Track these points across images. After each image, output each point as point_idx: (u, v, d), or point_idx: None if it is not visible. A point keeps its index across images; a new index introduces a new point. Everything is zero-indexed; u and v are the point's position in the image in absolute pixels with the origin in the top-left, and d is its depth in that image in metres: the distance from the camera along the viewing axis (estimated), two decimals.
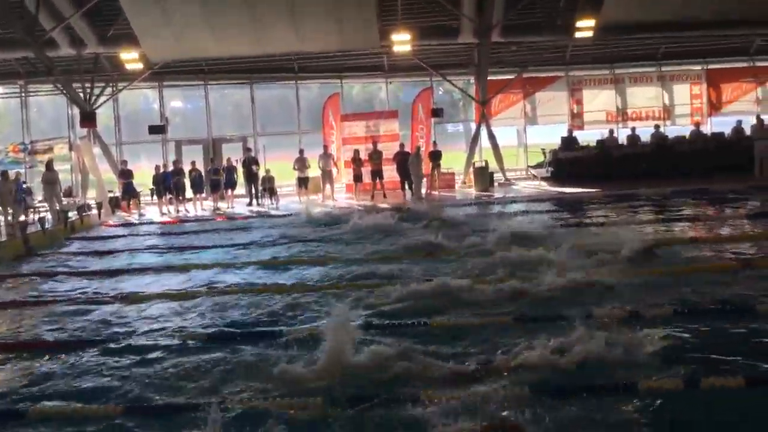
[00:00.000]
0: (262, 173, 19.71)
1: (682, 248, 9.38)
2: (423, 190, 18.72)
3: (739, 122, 20.46)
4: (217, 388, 5.09)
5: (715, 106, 22.11)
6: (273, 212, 17.68)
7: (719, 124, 21.63)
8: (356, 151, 19.94)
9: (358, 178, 19.74)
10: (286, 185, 21.63)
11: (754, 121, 20.28)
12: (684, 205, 14.28)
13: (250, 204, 19.39)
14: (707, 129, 21.50)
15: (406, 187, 19.11)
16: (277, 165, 21.28)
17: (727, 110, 22.10)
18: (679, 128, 21.80)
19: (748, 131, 20.11)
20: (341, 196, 20.41)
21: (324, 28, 19.10)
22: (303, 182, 19.62)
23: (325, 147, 20.46)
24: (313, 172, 20.01)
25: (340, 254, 10.53)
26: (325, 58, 21.67)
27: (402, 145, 19.87)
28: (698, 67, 22.24)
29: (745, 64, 22.33)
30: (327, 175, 19.65)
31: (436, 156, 20.05)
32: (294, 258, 10.52)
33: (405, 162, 19.09)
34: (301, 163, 19.69)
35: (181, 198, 19.03)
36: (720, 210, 13.57)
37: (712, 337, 5.67)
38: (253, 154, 20.48)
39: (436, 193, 19.50)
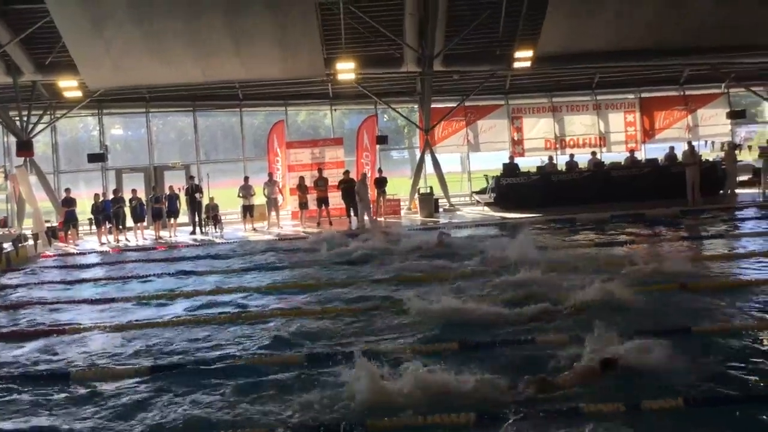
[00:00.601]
0: (205, 201, 19.48)
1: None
2: (366, 218, 18.79)
3: (672, 148, 21.28)
4: None
5: (649, 133, 23.00)
6: (218, 240, 17.51)
7: (653, 151, 22.49)
8: (301, 178, 19.94)
9: (303, 205, 19.71)
10: (231, 213, 21.48)
11: (685, 147, 21.13)
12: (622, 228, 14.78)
13: (193, 233, 19.11)
14: (641, 155, 22.30)
15: (352, 213, 19.23)
16: (222, 192, 21.12)
17: (659, 137, 23.01)
18: (614, 155, 22.56)
19: (680, 157, 20.95)
20: (287, 223, 20.33)
21: (268, 57, 19.16)
22: (248, 210, 19.47)
23: (270, 174, 20.40)
24: (259, 199, 19.90)
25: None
26: (270, 86, 21.72)
27: (347, 172, 19.96)
28: (632, 96, 23.15)
29: (675, 93, 23.31)
30: (272, 203, 19.58)
31: (381, 183, 20.23)
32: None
33: (350, 189, 19.21)
34: (246, 191, 19.56)
35: (121, 227, 18.63)
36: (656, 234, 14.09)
37: None
38: (196, 181, 20.26)
39: (381, 219, 19.61)
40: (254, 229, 19.10)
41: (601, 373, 5.30)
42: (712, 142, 22.59)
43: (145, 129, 22.35)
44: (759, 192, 19.99)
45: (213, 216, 19.17)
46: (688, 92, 23.09)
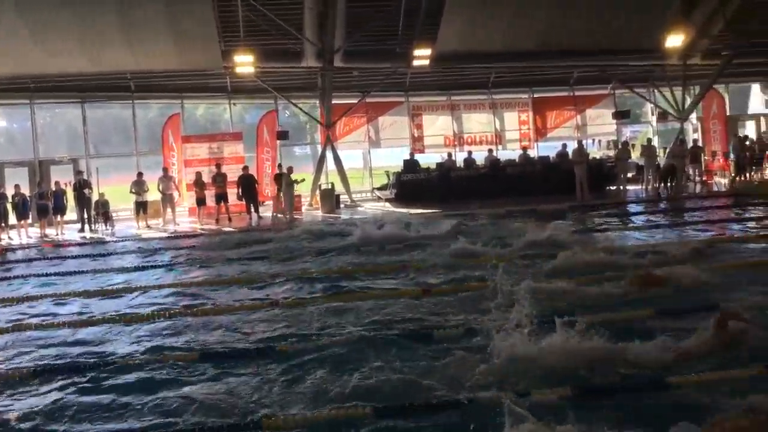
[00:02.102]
0: (95, 197, 18.61)
1: None
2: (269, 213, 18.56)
3: (564, 146, 22.27)
4: None
5: (541, 131, 23.93)
6: (108, 238, 16.79)
7: (545, 149, 23.42)
8: (198, 174, 19.41)
9: (201, 201, 19.19)
10: (123, 210, 20.63)
11: (575, 145, 22.13)
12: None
13: (82, 230, 18.20)
14: (534, 153, 23.18)
15: (252, 210, 18.96)
16: (113, 189, 20.27)
17: (551, 135, 23.97)
18: (509, 152, 23.33)
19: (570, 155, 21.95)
20: (184, 220, 19.74)
21: (162, 47, 18.55)
22: (141, 206, 18.72)
23: (165, 169, 19.72)
24: (153, 195, 19.21)
25: None
26: (165, 77, 20.97)
27: (246, 167, 19.63)
28: (525, 96, 23.98)
29: (566, 93, 24.36)
30: (168, 199, 18.93)
31: (282, 178, 19.87)
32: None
33: (249, 184, 18.93)
34: (139, 187, 18.80)
35: (3, 225, 17.48)
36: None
37: None
38: (85, 177, 19.28)
39: (281, 216, 19.38)
40: (148, 227, 18.42)
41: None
42: (599, 141, 23.75)
43: (30, 121, 21.03)
44: (642, 188, 21.33)
45: (103, 213, 18.33)
46: (577, 93, 24.18)
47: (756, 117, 25.29)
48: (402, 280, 9.44)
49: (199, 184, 19.21)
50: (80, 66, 18.89)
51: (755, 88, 25.62)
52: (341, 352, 6.09)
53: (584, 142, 22.49)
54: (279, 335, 6.90)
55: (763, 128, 24.51)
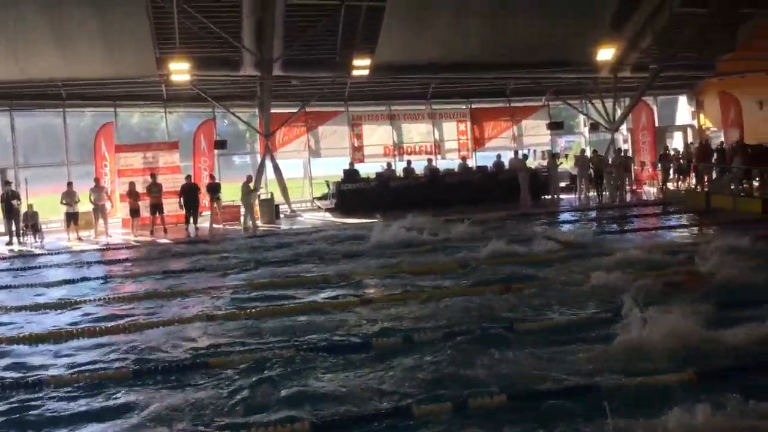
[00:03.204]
0: (23, 209, 17.91)
1: None
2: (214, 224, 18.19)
3: (499, 156, 22.77)
4: None
5: (479, 141, 24.29)
6: (37, 251, 16.20)
7: (483, 158, 23.81)
8: (132, 184, 18.93)
9: (135, 212, 18.72)
10: (54, 221, 19.93)
11: (512, 155, 22.65)
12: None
13: (10, 243, 17.47)
14: (473, 162, 23.54)
15: (191, 220, 18.58)
16: (43, 199, 19.59)
17: (489, 145, 24.36)
18: (448, 161, 23.62)
19: (507, 165, 22.47)
20: (117, 231, 19.20)
21: (94, 53, 18.08)
22: (72, 217, 18.11)
23: (97, 179, 19.14)
24: (84, 206, 18.62)
25: None
26: (97, 85, 20.38)
27: (189, 177, 19.26)
28: (463, 106, 24.32)
29: (502, 105, 24.83)
30: (100, 210, 18.38)
31: (214, 189, 19.52)
32: None
33: (193, 194, 18.60)
34: (70, 197, 18.18)
35: None
36: None
37: None
38: (13, 187, 18.51)
39: (219, 226, 19.09)
40: (79, 239, 17.84)
41: None
42: (534, 151, 24.28)
43: None
44: (575, 197, 21.94)
45: (32, 225, 17.67)
46: (513, 104, 24.67)
47: (683, 128, 26.32)
48: (456, 279, 9.91)
49: (132, 194, 18.74)
50: (8, 72, 18.20)
51: (682, 100, 26.68)
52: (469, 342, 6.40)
53: (521, 151, 23.01)
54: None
55: (690, 139, 25.53)
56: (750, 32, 22.17)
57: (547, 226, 15.81)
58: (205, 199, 19.42)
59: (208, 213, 19.40)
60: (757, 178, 18.80)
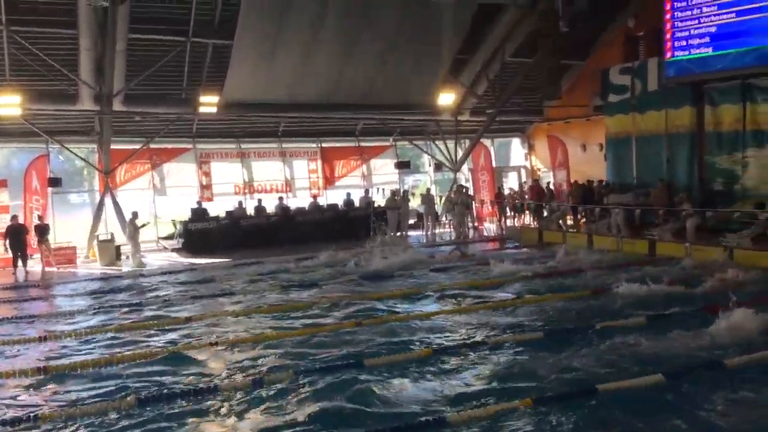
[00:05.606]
0: None
1: None
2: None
3: (349, 194, 23.23)
4: None
5: (330, 180, 24.64)
6: None
7: (334, 197, 24.14)
8: None
9: None
10: None
11: (363, 193, 23.19)
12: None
13: None
14: (324, 200, 23.79)
15: (20, 263, 17.16)
16: None
17: (339, 184, 24.76)
18: (300, 200, 23.70)
19: (357, 203, 22.97)
20: None
21: None
22: None
23: None
24: None
25: None
26: None
27: (15, 217, 17.86)
28: (314, 145, 24.61)
29: (352, 144, 25.43)
30: None
31: (42, 230, 18.21)
32: None
33: (19, 235, 17.24)
34: None
35: None
36: None
37: None
38: None
39: (52, 269, 17.78)
40: None
41: None
42: (383, 189, 25.02)
43: None
44: (423, 234, 22.80)
45: None
46: (362, 143, 25.35)
47: (517, 168, 28.34)
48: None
49: None
50: None
51: (516, 142, 28.75)
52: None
53: (371, 190, 23.64)
54: None
55: (523, 178, 27.52)
56: (573, 82, 24.50)
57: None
58: (33, 240, 18.08)
59: (38, 255, 18.08)
60: (582, 214, 20.65)
